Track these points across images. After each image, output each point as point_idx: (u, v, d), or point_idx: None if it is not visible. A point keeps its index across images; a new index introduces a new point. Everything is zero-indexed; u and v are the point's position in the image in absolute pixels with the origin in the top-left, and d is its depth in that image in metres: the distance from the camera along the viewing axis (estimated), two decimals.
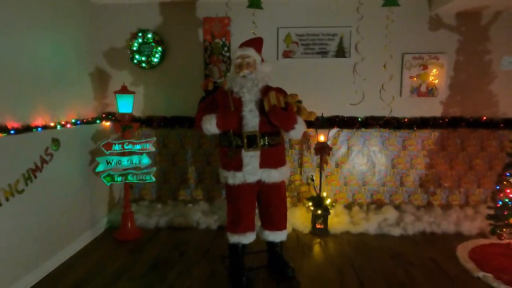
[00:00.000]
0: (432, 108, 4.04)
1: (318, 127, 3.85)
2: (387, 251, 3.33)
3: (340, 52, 4.01)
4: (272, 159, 2.73)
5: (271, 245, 2.96)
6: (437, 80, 3.98)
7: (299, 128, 2.67)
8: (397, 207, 4.04)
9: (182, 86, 4.14)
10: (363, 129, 4.09)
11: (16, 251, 2.63)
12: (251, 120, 2.64)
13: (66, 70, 3.34)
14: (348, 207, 4.12)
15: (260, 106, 2.66)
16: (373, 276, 2.88)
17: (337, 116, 4.06)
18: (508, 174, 3.10)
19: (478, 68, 3.98)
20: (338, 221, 3.83)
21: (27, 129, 2.72)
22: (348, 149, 4.16)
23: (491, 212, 3.19)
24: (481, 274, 2.81)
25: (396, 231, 3.69)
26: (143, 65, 4.08)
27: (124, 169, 3.58)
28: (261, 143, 2.67)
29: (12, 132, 2.55)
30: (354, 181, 4.19)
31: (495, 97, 4.00)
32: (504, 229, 3.09)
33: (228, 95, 2.69)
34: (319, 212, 3.72)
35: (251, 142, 2.65)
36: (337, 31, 3.98)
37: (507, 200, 3.06)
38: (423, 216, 3.84)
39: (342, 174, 4.20)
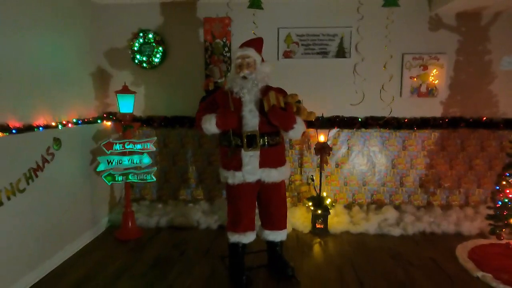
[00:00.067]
0: (432, 108, 4.04)
1: (318, 127, 3.86)
2: (387, 251, 3.33)
3: (340, 53, 4.02)
4: (271, 159, 2.74)
5: (271, 244, 2.97)
6: (437, 81, 3.99)
7: (299, 128, 2.68)
8: (397, 207, 4.04)
9: (183, 86, 4.15)
10: (363, 129, 4.09)
11: (17, 250, 2.64)
12: (251, 120, 2.65)
13: (67, 70, 3.35)
14: (348, 207, 4.13)
15: (260, 106, 2.67)
16: (373, 276, 2.88)
17: (337, 116, 4.06)
18: (508, 174, 3.10)
19: (478, 68, 3.98)
20: (338, 221, 3.84)
21: (29, 128, 2.73)
22: (348, 149, 4.16)
23: (491, 212, 3.20)
24: (480, 274, 2.82)
25: (396, 231, 3.70)
26: (144, 65, 4.09)
27: (125, 169, 3.59)
28: (261, 143, 2.68)
29: (13, 131, 2.56)
30: (354, 181, 4.20)
31: (495, 97, 4.00)
32: (503, 229, 3.10)
33: (228, 95, 2.70)
34: (319, 212, 3.73)
35: (251, 142, 2.65)
36: (337, 31, 3.98)
37: (506, 200, 3.06)
38: (423, 216, 3.84)
39: (342, 174, 4.20)
